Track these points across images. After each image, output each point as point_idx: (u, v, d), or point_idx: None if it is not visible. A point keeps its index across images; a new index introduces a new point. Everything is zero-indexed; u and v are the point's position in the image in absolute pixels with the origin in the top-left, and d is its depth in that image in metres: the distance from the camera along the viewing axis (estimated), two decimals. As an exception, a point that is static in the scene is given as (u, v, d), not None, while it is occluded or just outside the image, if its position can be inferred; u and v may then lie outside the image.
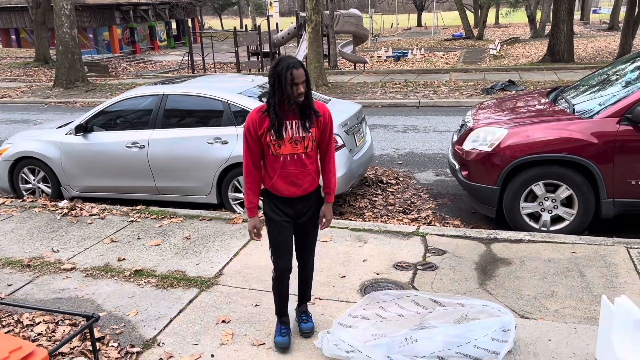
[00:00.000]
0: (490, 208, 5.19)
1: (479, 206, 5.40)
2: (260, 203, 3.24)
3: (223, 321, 3.61)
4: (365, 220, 5.63)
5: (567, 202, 4.90)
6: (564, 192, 4.84)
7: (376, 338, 3.22)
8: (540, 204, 4.97)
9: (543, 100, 5.76)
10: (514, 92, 11.53)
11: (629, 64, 5.57)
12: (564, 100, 5.48)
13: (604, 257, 4.30)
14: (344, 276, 4.19)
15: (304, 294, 3.50)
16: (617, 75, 5.52)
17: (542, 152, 4.81)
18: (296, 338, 3.39)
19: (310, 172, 3.10)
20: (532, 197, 4.98)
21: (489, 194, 5.10)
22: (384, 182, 6.81)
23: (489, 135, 5.13)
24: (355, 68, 18.92)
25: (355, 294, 3.91)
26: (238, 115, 5.59)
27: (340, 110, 5.95)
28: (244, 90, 5.86)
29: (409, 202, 6.19)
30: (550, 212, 4.96)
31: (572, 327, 3.41)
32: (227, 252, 4.70)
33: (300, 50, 18.40)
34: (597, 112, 4.78)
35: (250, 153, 3.05)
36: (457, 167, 5.44)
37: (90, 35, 29.82)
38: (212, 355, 3.25)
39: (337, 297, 3.89)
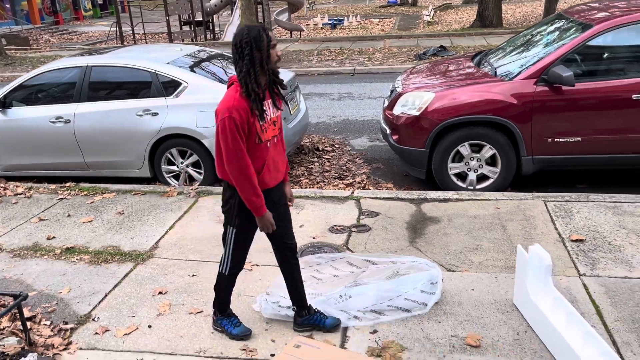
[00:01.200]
0: (420, 170, 5.38)
1: (409, 169, 5.59)
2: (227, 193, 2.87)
3: (160, 292, 3.61)
4: (302, 188, 5.71)
5: (491, 161, 5.16)
6: (488, 151, 5.09)
7: (313, 297, 3.33)
8: (467, 164, 5.20)
9: (468, 64, 5.96)
10: (445, 57, 11.81)
11: (548, 26, 5.84)
12: (487, 63, 5.70)
13: (524, 210, 4.59)
14: (281, 242, 4.26)
15: (302, 298, 3.12)
16: (536, 37, 5.77)
17: (467, 114, 5.01)
18: (235, 302, 3.45)
19: (283, 153, 2.92)
20: (458, 157, 5.20)
21: (419, 156, 5.28)
22: (320, 149, 6.89)
23: (417, 99, 5.28)
24: (291, 36, 18.72)
25: (291, 259, 4.00)
26: (168, 86, 5.46)
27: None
28: (172, 60, 5.72)
29: (345, 168, 6.31)
30: (475, 171, 5.21)
31: (494, 276, 3.66)
32: (163, 225, 4.65)
33: (234, 19, 17.97)
34: (517, 74, 5.01)
35: (240, 150, 2.59)
36: (388, 131, 5.58)
37: (7, 5, 27.82)
38: (150, 326, 3.27)
39: (274, 263, 3.93)
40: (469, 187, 5.24)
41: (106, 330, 3.25)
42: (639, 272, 3.60)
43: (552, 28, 5.70)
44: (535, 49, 5.39)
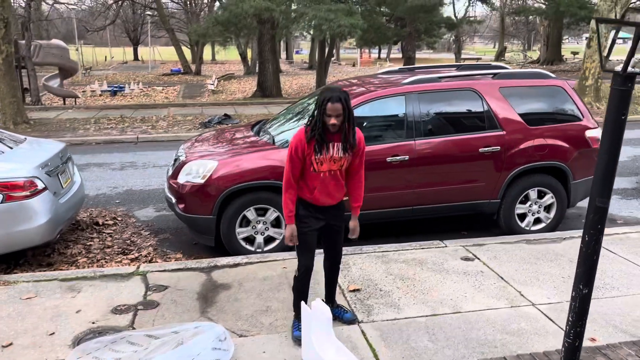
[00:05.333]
0: (209, 237, 5.37)
1: (198, 236, 5.53)
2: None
3: None
4: (78, 268, 5.19)
5: (276, 223, 5.41)
6: (272, 214, 5.33)
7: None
8: (254, 227, 5.36)
9: (249, 133, 6.27)
10: (230, 125, 12.23)
11: (315, 97, 6.49)
12: (266, 132, 6.07)
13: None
14: (53, 333, 3.77)
15: (330, 296, 3.95)
16: (310, 107, 6.36)
17: (251, 179, 5.22)
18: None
19: (342, 186, 3.62)
20: (246, 222, 5.34)
21: (206, 223, 5.28)
22: (100, 223, 6.40)
23: (201, 167, 5.32)
24: (65, 103, 17.40)
25: (67, 350, 3.56)
26: None
27: (39, 150, 5.41)
28: None
29: (129, 241, 5.95)
30: (262, 233, 5.40)
31: (284, 335, 3.76)
32: None
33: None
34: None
35: (292, 168, 3.44)
36: (174, 200, 5.48)
37: None
38: None
39: (45, 358, 3.47)
40: (258, 250, 5.39)
41: None
42: (405, 313, 4.07)
43: (313, 100, 6.37)
44: (304, 118, 5.92)
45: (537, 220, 5.99)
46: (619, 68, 1.90)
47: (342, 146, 3.47)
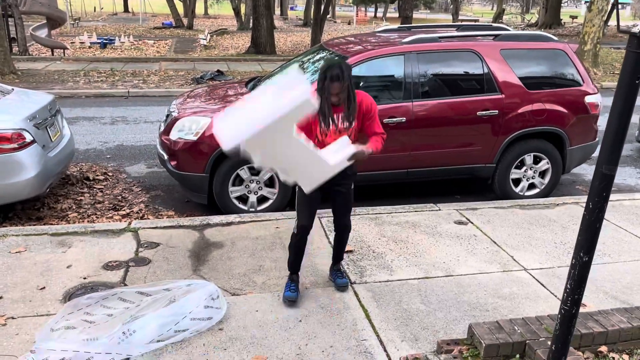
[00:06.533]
0: (202, 195, 5.31)
1: (191, 194, 5.47)
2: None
3: None
4: (69, 223, 5.13)
5: (270, 183, 5.35)
6: (265, 174, 5.26)
7: (89, 343, 3.00)
8: (247, 186, 5.30)
9: (243, 90, 6.12)
10: (222, 81, 12.00)
11: (313, 55, 6.34)
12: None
13: (301, 228, 4.84)
14: (44, 288, 3.74)
15: (338, 255, 3.93)
16: (304, 65, 6.21)
17: (244, 138, 5.11)
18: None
19: None
20: (239, 181, 5.27)
21: (199, 181, 5.21)
22: (91, 178, 6.31)
23: (193, 124, 5.21)
24: (53, 54, 16.95)
25: (58, 305, 3.53)
26: None
27: (27, 102, 5.26)
28: None
29: (120, 197, 5.88)
30: (256, 193, 5.34)
31: (277, 295, 3.76)
32: None
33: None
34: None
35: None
36: (166, 157, 5.39)
37: None
38: None
39: (35, 312, 3.45)
40: (251, 209, 5.35)
41: None
42: (397, 275, 4.08)
43: (317, 57, 6.21)
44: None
45: (532, 186, 5.98)
46: (635, 30, 1.81)
47: (345, 116, 3.40)
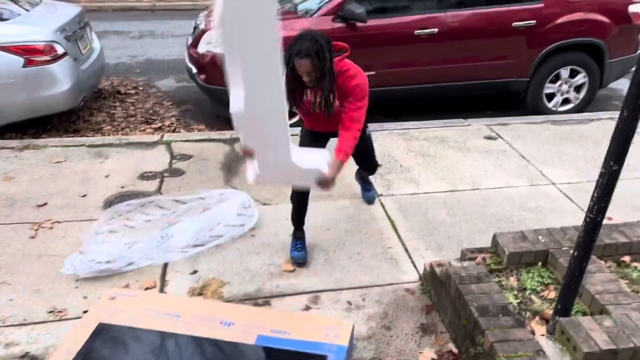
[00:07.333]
0: (231, 109, 5.34)
1: (220, 108, 5.51)
2: None
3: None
4: (104, 135, 5.28)
5: (298, 97, 5.33)
6: (294, 87, 5.23)
7: (131, 246, 3.20)
8: (275, 100, 5.30)
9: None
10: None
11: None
12: (288, 0, 5.76)
13: (329, 142, 4.89)
14: (85, 195, 3.94)
15: (367, 171, 3.70)
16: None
17: (272, 50, 5.05)
18: (36, 264, 3.14)
19: (333, 124, 2.90)
20: (267, 94, 5.26)
21: (228, 95, 5.21)
22: (122, 92, 6.40)
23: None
24: (76, -34, 16.58)
25: (99, 211, 3.73)
26: None
27: (56, 14, 5.25)
28: None
29: (152, 111, 5.98)
30: (284, 107, 5.35)
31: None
32: None
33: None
34: (316, 11, 5.17)
35: None
36: (195, 70, 5.39)
37: None
38: None
39: (79, 218, 3.66)
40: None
41: None
42: (424, 189, 4.14)
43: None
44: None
45: (566, 101, 5.82)
46: None
47: (323, 95, 2.77)
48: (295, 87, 2.81)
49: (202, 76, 5.29)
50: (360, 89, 2.79)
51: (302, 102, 2.91)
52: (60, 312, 2.78)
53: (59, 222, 3.59)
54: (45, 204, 3.81)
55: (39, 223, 3.55)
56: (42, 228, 3.51)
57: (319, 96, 2.79)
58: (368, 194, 3.90)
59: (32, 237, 3.41)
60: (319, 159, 2.63)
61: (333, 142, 2.94)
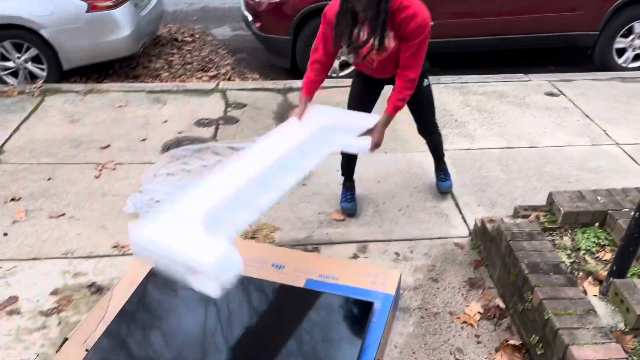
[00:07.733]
0: (285, 59, 5.34)
1: (274, 58, 5.52)
2: None
3: (12, 199, 3.34)
4: (162, 82, 5.41)
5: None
6: (349, 37, 5.14)
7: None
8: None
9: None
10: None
11: None
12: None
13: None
14: (145, 139, 4.09)
15: (436, 155, 3.38)
16: None
17: (328, -1, 4.96)
18: (100, 202, 3.32)
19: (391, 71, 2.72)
20: (322, 44, 5.20)
21: (282, 44, 5.21)
22: (180, 40, 6.48)
23: (278, -17, 5.09)
24: None
25: (157, 155, 3.88)
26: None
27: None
28: None
29: (208, 59, 6.05)
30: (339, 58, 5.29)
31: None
32: (5, 128, 4.20)
33: None
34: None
35: (316, 42, 2.79)
36: (251, 19, 5.38)
37: None
38: (5, 234, 3.05)
39: (139, 160, 3.82)
40: (332, 75, 5.34)
41: (-46, 245, 2.98)
42: (479, 144, 4.05)
43: None
44: None
45: (638, 57, 5.47)
46: None
47: (376, 35, 2.51)
48: (351, 26, 2.54)
49: (258, 24, 5.28)
50: (419, 30, 2.49)
51: (356, 42, 2.58)
52: (124, 247, 2.96)
53: (120, 164, 3.76)
54: (109, 146, 3.99)
55: (102, 164, 3.73)
56: (106, 169, 3.68)
57: (373, 36, 2.52)
58: (443, 184, 3.42)
59: (97, 177, 3.59)
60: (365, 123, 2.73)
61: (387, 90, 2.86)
